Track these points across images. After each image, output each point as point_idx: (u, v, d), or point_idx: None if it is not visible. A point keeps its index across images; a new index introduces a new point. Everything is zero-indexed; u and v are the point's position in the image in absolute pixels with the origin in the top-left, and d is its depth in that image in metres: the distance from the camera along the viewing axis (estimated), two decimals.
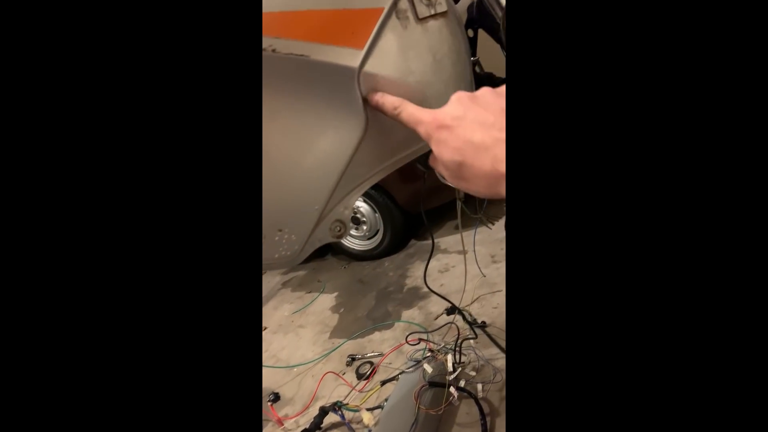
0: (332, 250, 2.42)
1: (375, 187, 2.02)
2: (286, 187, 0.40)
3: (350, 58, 0.38)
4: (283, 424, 1.25)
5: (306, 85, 0.38)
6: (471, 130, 0.31)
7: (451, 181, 0.36)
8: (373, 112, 0.41)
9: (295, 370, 1.51)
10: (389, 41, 0.40)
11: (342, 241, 2.22)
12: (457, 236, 2.05)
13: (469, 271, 1.65)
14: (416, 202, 2.02)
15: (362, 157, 0.42)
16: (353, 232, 2.22)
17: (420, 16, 0.41)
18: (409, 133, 0.45)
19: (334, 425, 1.17)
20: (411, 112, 0.37)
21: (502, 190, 0.30)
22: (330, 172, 0.42)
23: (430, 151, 0.52)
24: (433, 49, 0.43)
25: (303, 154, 0.40)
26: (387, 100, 0.39)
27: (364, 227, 2.18)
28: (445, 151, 0.33)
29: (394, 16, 0.40)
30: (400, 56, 0.41)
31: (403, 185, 1.99)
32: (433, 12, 0.42)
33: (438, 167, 0.37)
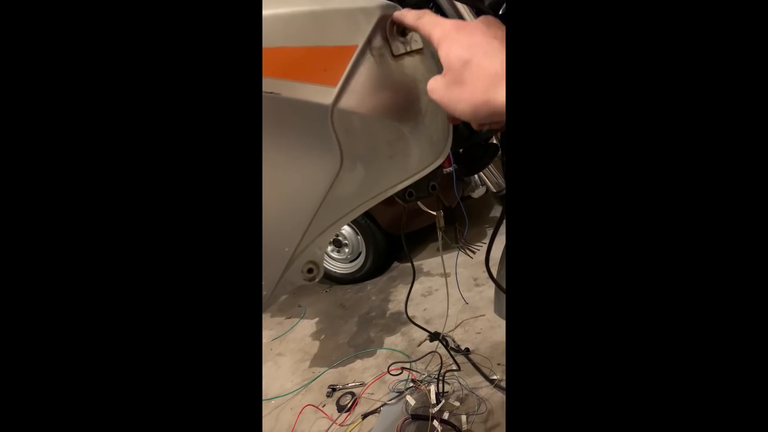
0: None
1: None
2: None
3: (323, 95, 0.37)
4: None
5: (277, 123, 0.36)
6: (491, 36, 0.31)
7: (444, 92, 0.33)
8: (347, 149, 0.39)
9: (273, 402, 1.44)
10: (363, 78, 0.39)
11: (324, 263, 2.20)
12: (440, 259, 2.04)
13: (452, 294, 1.64)
14: (399, 224, 2.00)
15: (336, 196, 0.41)
16: (335, 254, 2.18)
17: (395, 53, 0.40)
18: (385, 169, 0.44)
19: None
20: (432, 18, 0.36)
21: (496, 95, 0.29)
22: (302, 212, 0.40)
23: (408, 187, 0.51)
24: (410, 86, 0.42)
25: (273, 193, 0.38)
26: (409, 13, 0.38)
27: (346, 250, 2.14)
28: (455, 48, 0.32)
29: (368, 53, 0.39)
30: (375, 94, 0.40)
31: (386, 208, 1.97)
32: (408, 49, 0.41)
33: (437, 88, 0.34)
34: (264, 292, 0.39)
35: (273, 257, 0.39)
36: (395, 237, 2.10)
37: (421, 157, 0.46)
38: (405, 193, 0.53)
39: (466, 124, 0.67)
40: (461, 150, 0.71)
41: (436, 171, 0.55)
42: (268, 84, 0.36)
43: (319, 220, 0.40)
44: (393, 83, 0.41)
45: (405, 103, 0.42)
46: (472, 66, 0.30)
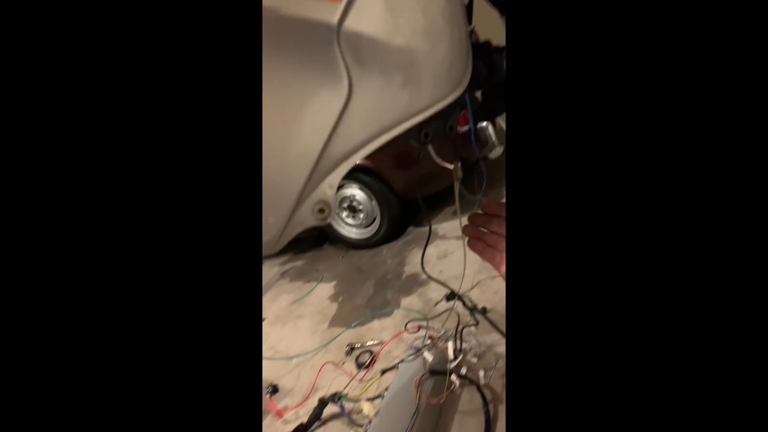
0: (330, 239, 2.39)
1: (370, 174, 1.98)
2: None
3: (327, 12, 0.33)
4: (282, 416, 1.23)
5: (276, 45, 0.33)
6: None
7: None
8: (356, 76, 0.36)
9: (293, 361, 1.49)
10: None
11: (339, 229, 2.19)
12: (456, 222, 2.00)
13: (469, 256, 1.62)
14: (413, 188, 1.97)
15: (346, 130, 0.38)
16: (350, 220, 2.18)
17: None
18: (397, 99, 0.40)
19: (334, 416, 1.15)
20: None
21: None
22: (309, 147, 0.37)
23: (422, 124, 0.48)
24: (423, 3, 0.38)
25: (276, 127, 0.35)
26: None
27: (361, 215, 2.13)
28: None
29: None
30: (385, 11, 0.36)
31: (399, 172, 1.94)
32: None
33: None
34: (273, 232, 0.38)
35: (281, 195, 0.37)
36: (410, 202, 2.07)
37: (437, 88, 0.42)
38: (421, 133, 0.49)
39: (485, 63, 0.62)
40: (480, 92, 0.67)
41: (453, 110, 0.51)
42: None
43: (328, 156, 0.38)
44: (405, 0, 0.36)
45: (418, 25, 0.38)
46: None
